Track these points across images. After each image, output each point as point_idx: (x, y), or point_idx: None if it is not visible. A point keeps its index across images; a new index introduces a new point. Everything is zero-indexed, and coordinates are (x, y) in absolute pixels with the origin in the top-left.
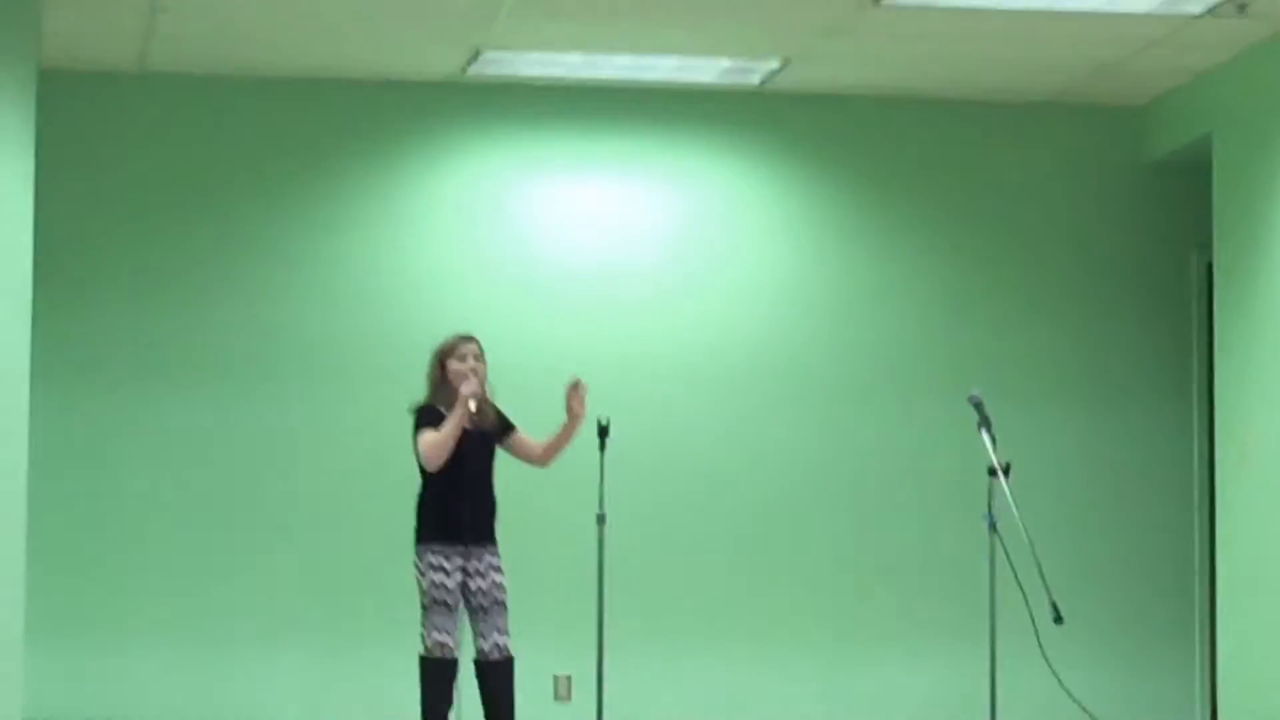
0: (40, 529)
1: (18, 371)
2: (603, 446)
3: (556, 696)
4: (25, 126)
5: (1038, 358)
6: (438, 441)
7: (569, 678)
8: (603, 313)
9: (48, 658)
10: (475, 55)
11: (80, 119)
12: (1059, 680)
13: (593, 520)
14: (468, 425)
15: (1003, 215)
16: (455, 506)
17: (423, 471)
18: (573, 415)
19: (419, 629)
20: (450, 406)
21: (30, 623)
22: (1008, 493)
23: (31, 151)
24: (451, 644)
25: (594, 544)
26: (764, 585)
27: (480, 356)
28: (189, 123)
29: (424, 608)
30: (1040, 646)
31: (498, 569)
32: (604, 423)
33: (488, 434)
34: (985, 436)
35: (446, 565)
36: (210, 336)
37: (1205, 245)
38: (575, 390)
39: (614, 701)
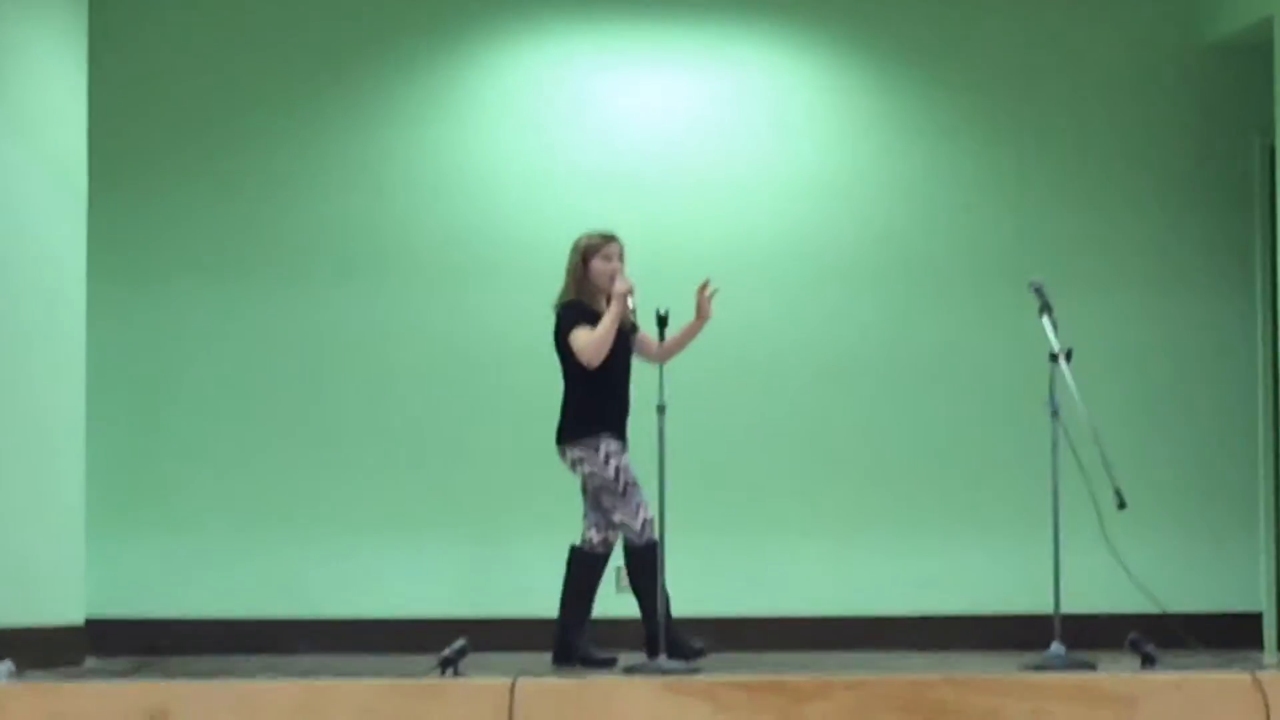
0: (102, 430)
1: (74, 272)
2: (662, 337)
3: (619, 588)
4: (77, 25)
5: (1097, 242)
6: (598, 338)
7: None
8: (658, 204)
9: (108, 556)
10: None
11: (133, 18)
12: (1122, 565)
13: (653, 410)
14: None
15: (1060, 99)
16: (615, 400)
17: (576, 368)
18: (701, 316)
19: (618, 517)
20: (594, 304)
21: (92, 523)
22: (1070, 378)
23: (84, 52)
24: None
25: (654, 434)
26: (825, 473)
27: (623, 257)
28: (246, 16)
29: (621, 494)
30: (1104, 531)
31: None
32: (662, 313)
33: (626, 332)
34: (1047, 322)
35: (620, 449)
36: (267, 234)
37: (1267, 129)
38: (705, 292)
39: (674, 591)
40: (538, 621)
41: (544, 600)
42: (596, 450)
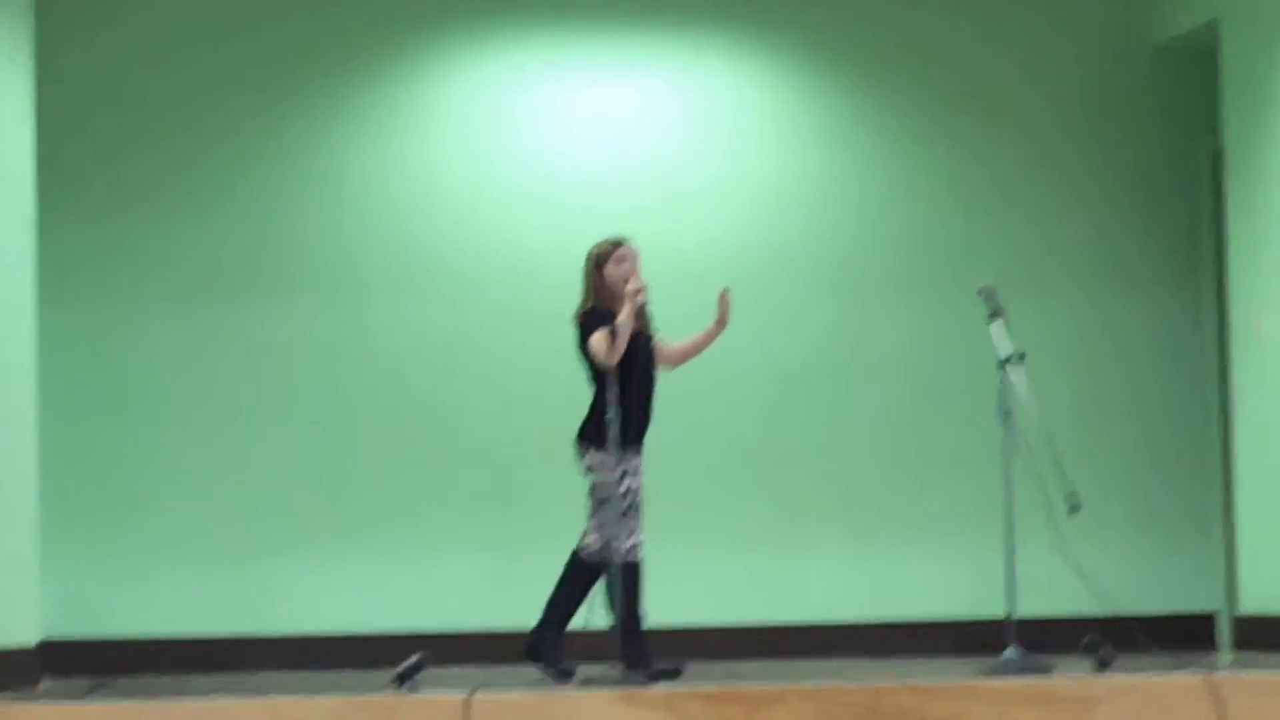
0: (57, 449)
1: (24, 293)
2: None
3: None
4: (23, 38)
5: (1047, 245)
6: (609, 337)
7: None
8: (609, 214)
9: (63, 577)
10: None
11: (81, 37)
12: (1077, 568)
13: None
14: (635, 328)
15: (1009, 103)
16: (635, 410)
17: (601, 377)
18: (720, 323)
19: (608, 533)
20: (614, 309)
21: (47, 543)
22: (1021, 383)
23: (30, 73)
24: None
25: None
26: (779, 480)
27: (636, 258)
28: (193, 33)
29: (620, 514)
30: (1058, 535)
31: (641, 471)
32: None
33: (649, 337)
34: (997, 328)
35: (639, 468)
36: (219, 250)
37: (1213, 131)
38: (725, 299)
39: None
40: (494, 635)
41: (498, 614)
42: (616, 464)
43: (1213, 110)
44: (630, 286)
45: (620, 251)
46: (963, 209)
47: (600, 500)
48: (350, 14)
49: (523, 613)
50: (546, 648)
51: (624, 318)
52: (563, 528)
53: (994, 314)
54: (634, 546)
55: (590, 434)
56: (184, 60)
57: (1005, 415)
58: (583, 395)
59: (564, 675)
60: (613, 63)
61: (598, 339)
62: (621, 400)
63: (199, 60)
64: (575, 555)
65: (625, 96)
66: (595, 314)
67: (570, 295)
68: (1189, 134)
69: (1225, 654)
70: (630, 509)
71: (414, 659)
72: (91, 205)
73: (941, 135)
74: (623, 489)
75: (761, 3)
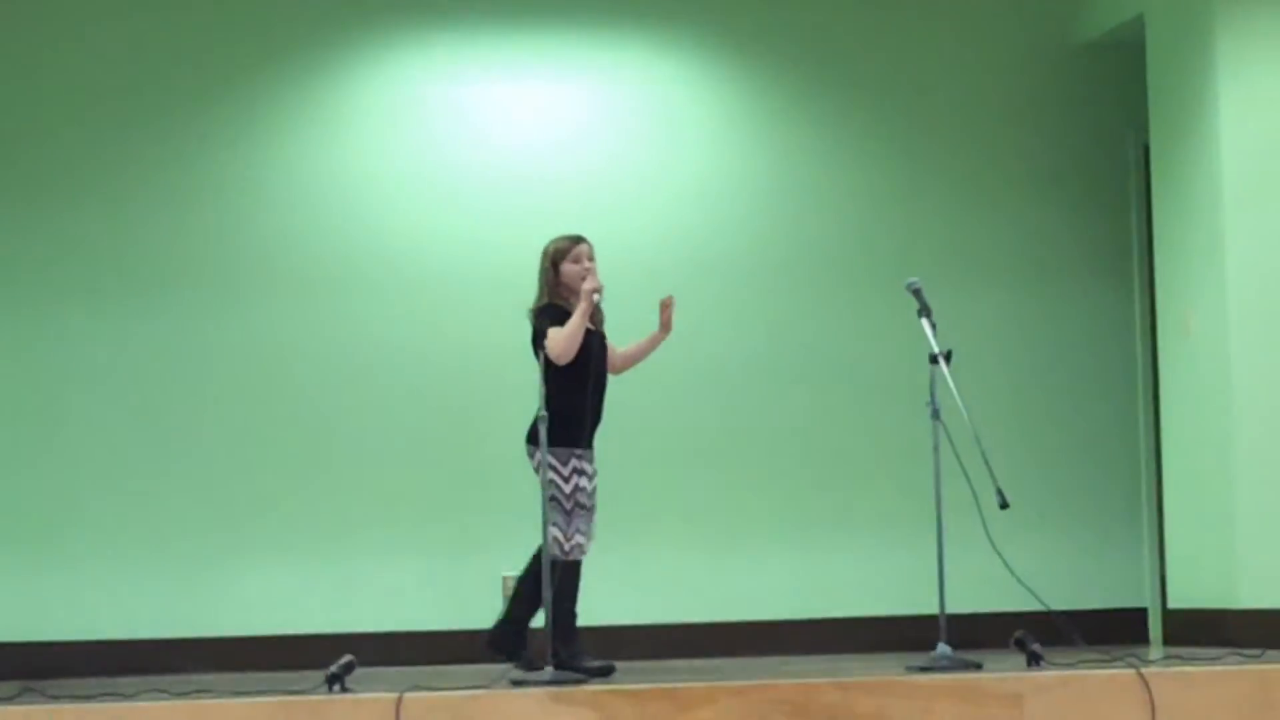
0: None
1: None
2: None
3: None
4: None
5: (976, 243)
6: (566, 334)
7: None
8: (541, 213)
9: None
10: None
11: (3, 37)
12: (1006, 564)
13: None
14: (589, 326)
15: (937, 101)
16: (587, 409)
17: (553, 375)
18: (664, 328)
19: (553, 531)
20: (569, 307)
21: None
22: (950, 379)
23: None
24: (587, 546)
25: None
26: (708, 476)
27: (593, 257)
28: (110, 22)
29: (566, 512)
30: (987, 531)
31: (595, 473)
32: None
33: (603, 336)
34: (926, 324)
35: (588, 469)
36: (146, 253)
37: (1141, 126)
38: (668, 305)
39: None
40: (426, 635)
41: (431, 614)
42: (565, 463)
43: (1140, 105)
44: (587, 285)
45: (577, 250)
46: (894, 206)
47: (551, 499)
48: (279, 6)
49: (457, 613)
50: (508, 641)
51: (579, 316)
52: (498, 529)
53: (922, 310)
54: (576, 546)
55: (546, 433)
56: (101, 54)
57: (934, 412)
58: (524, 395)
59: (530, 666)
60: (550, 61)
61: (554, 334)
62: (576, 399)
63: (117, 53)
64: (540, 552)
65: (562, 95)
66: (550, 310)
67: (509, 294)
68: (1117, 129)
69: (1155, 648)
70: (578, 508)
71: (345, 659)
72: (19, 207)
73: (874, 133)
74: (569, 488)
75: (697, 2)
